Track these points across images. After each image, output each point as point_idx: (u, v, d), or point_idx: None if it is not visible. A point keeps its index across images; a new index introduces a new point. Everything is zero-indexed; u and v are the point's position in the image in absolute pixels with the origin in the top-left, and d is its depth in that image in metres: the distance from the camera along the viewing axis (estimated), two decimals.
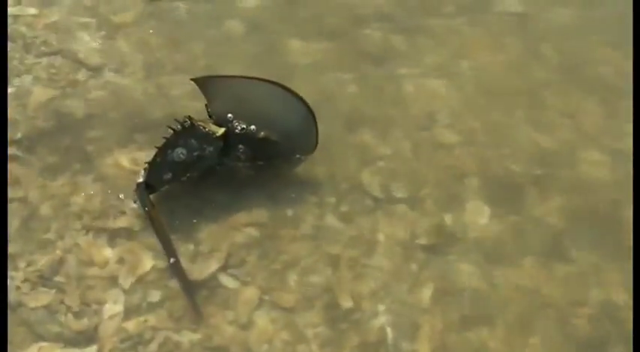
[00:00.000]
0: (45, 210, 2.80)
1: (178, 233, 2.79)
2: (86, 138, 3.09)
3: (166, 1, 3.88)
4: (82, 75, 3.38)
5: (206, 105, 2.96)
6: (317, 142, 3.02)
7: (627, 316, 2.75)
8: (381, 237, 2.89)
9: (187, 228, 2.81)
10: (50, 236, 2.73)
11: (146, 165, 2.84)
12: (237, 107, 2.91)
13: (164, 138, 2.82)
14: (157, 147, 2.82)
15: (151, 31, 3.68)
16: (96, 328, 2.48)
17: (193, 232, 2.80)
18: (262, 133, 2.89)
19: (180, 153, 2.81)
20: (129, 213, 2.83)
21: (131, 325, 2.50)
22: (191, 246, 2.76)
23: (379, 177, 3.09)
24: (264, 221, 2.88)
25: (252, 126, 2.89)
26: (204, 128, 2.83)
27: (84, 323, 2.49)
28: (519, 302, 2.76)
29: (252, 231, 2.83)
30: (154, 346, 2.46)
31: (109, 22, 3.69)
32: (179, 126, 2.80)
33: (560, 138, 3.43)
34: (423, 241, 2.90)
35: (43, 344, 2.44)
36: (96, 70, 3.42)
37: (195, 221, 2.84)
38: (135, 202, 2.85)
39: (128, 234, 2.77)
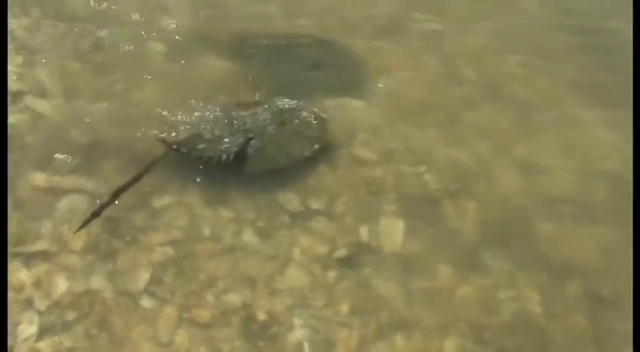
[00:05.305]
0: None
1: (97, 253, 2.79)
2: None
3: (86, 24, 3.91)
4: None
5: None
6: None
7: (539, 323, 2.85)
8: (297, 251, 2.94)
9: (106, 248, 2.81)
10: None
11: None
12: None
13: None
14: None
15: (69, 55, 3.69)
16: (10, 351, 2.46)
17: (112, 252, 2.81)
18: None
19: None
20: (45, 235, 2.82)
21: (45, 345, 2.49)
22: (110, 266, 2.76)
23: (296, 193, 3.14)
24: (182, 238, 2.90)
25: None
26: None
27: None
28: (435, 311, 2.83)
29: (169, 250, 2.85)
30: None
31: (27, 47, 3.69)
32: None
33: (474, 153, 3.56)
34: (339, 255, 2.95)
35: None
36: (15, 95, 3.40)
37: (114, 241, 2.84)
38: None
39: (44, 256, 2.76)
